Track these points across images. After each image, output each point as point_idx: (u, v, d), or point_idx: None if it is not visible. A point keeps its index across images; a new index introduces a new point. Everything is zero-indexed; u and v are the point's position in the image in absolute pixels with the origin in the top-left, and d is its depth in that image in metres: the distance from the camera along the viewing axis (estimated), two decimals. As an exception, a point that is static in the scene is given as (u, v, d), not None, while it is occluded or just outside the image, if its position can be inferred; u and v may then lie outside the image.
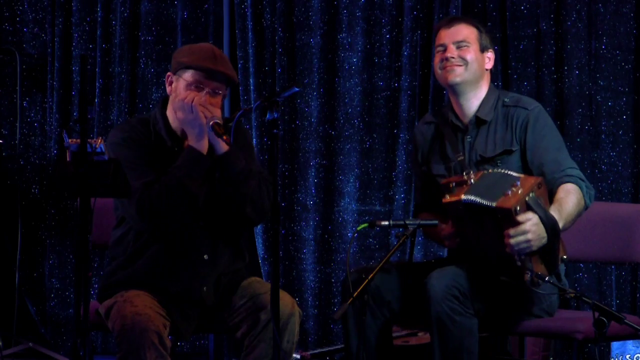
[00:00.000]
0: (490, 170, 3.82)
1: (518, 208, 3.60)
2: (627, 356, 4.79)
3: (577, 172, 3.87)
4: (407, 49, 5.42)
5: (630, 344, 4.82)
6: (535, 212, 3.62)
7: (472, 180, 3.72)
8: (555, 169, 3.85)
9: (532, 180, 3.69)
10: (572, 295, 3.50)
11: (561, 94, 5.26)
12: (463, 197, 3.64)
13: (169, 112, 3.83)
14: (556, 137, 3.95)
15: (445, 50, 3.96)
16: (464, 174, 3.80)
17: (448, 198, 3.72)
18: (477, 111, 3.97)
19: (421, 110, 5.41)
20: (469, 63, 3.94)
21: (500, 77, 5.29)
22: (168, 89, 3.81)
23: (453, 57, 3.93)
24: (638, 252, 4.18)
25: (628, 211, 4.35)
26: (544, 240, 3.63)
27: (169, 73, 3.82)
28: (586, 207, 3.84)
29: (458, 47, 3.95)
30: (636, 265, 5.04)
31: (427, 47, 5.38)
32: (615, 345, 4.86)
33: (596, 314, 3.38)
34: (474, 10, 5.35)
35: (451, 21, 4.02)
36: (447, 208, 3.75)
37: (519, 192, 3.62)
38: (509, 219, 3.60)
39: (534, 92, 5.24)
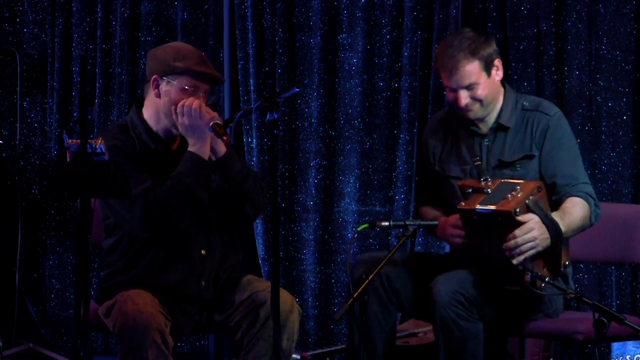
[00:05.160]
0: (508, 180, 3.79)
1: (518, 210, 3.60)
2: (628, 357, 4.77)
3: (589, 188, 3.85)
4: (407, 50, 5.41)
5: (630, 345, 4.82)
6: (536, 214, 3.62)
7: (489, 190, 3.70)
8: (568, 182, 3.84)
9: (532, 184, 3.69)
10: (573, 296, 3.51)
11: (561, 95, 5.25)
12: (478, 207, 3.64)
13: (148, 115, 3.81)
14: (573, 147, 3.92)
15: (455, 91, 3.86)
16: (482, 180, 3.77)
17: (464, 205, 3.70)
18: (499, 118, 3.93)
19: (421, 111, 5.40)
20: (483, 100, 3.87)
21: (500, 77, 5.29)
22: (154, 92, 3.78)
23: (467, 104, 3.86)
24: (638, 252, 4.18)
25: (628, 212, 4.35)
26: (548, 241, 3.63)
27: (155, 76, 3.77)
28: (591, 225, 3.83)
29: (468, 89, 3.85)
30: (636, 266, 5.04)
31: (427, 48, 5.38)
32: (615, 346, 4.86)
33: (596, 315, 3.38)
34: (474, 11, 5.34)
35: (450, 62, 3.83)
36: (460, 213, 3.74)
37: (519, 195, 3.62)
38: (510, 221, 3.60)
39: (534, 92, 5.23)
